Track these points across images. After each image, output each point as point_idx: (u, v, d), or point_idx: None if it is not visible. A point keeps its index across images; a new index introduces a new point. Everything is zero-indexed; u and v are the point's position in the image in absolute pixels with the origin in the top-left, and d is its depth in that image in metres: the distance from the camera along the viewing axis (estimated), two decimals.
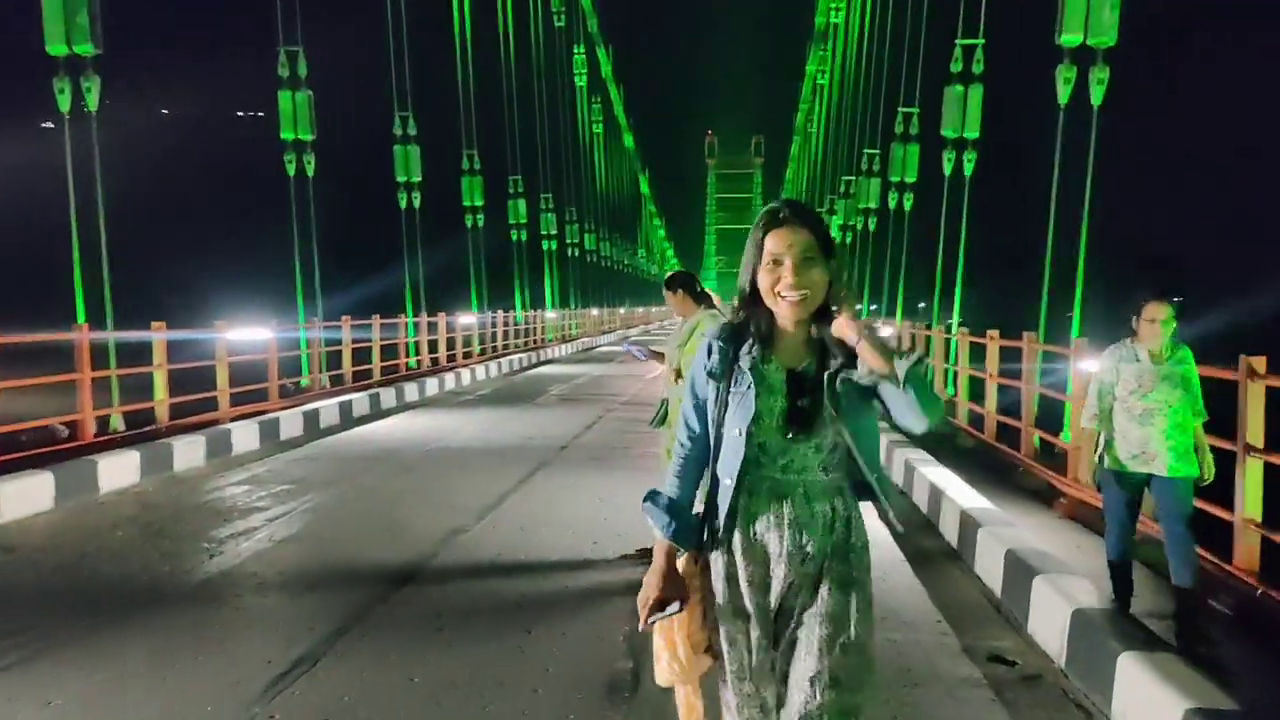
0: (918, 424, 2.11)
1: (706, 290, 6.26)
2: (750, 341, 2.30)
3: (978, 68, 15.74)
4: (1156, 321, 4.76)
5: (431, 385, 18.31)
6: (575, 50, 52.95)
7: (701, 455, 2.36)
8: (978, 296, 17.31)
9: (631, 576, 5.91)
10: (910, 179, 21.63)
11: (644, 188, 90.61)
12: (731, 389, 2.28)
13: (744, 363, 2.28)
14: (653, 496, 2.39)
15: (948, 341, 13.70)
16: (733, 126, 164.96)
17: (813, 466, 2.27)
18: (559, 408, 15.81)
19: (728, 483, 2.28)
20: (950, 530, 6.94)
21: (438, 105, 27.15)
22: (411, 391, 17.01)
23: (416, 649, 4.72)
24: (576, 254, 47.70)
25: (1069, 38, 10.38)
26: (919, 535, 7.17)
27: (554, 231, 40.45)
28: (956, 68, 15.85)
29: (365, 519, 7.66)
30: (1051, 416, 9.67)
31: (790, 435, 2.24)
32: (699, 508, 2.37)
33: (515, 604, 5.46)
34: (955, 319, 15.87)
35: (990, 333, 10.26)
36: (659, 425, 6.26)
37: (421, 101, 23.35)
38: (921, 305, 24.98)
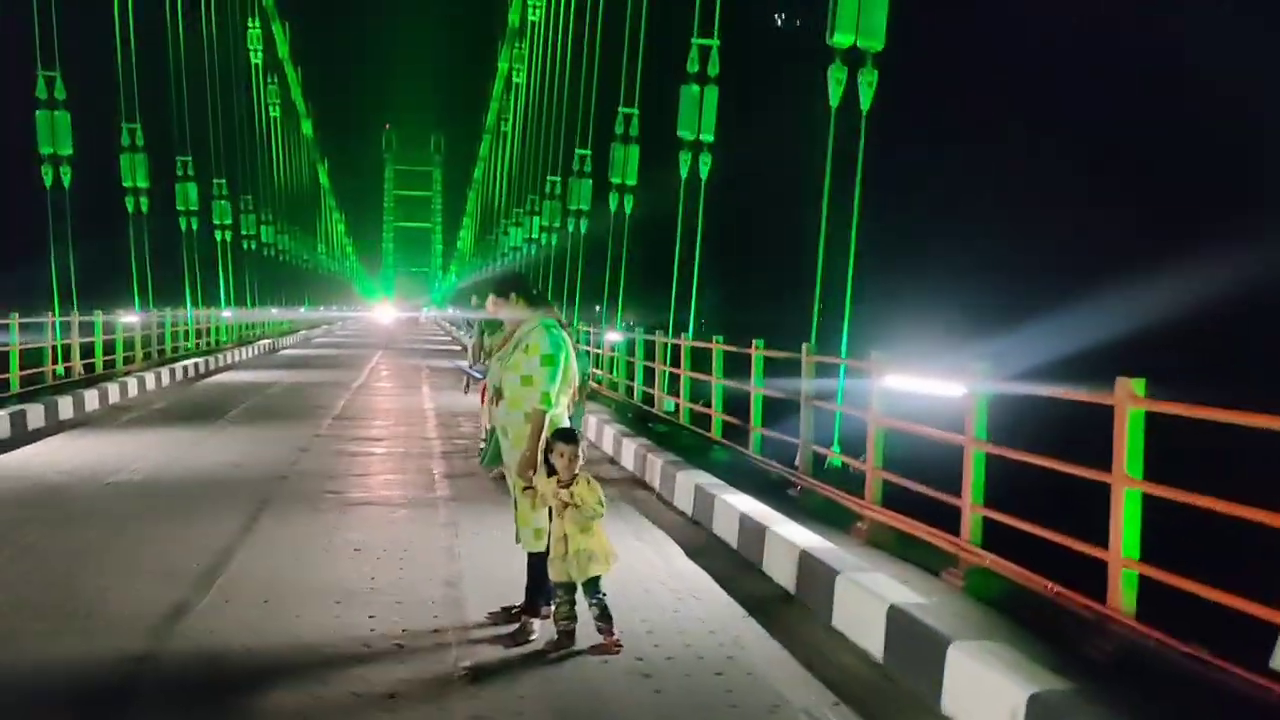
0: None
1: (539, 291, 5.04)
2: None
3: (713, 69, 15.48)
4: None
5: (91, 398, 15.29)
6: (250, 24, 48.54)
7: None
8: (705, 302, 17.15)
9: (441, 668, 4.51)
10: (630, 181, 21.21)
11: (324, 179, 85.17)
12: None
13: None
14: None
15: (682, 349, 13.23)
16: (413, 121, 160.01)
17: None
18: (259, 426, 13.62)
19: None
20: (782, 573, 6.15)
21: (97, 70, 23.34)
22: (66, 407, 14.05)
23: None
24: (254, 247, 43.48)
25: (840, 38, 10.10)
26: (740, 575, 6.36)
27: (229, 221, 36.49)
28: (693, 68, 15.49)
29: (32, 599, 5.52)
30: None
31: None
32: None
33: None
34: (691, 324, 15.52)
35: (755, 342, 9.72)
36: (489, 464, 4.98)
37: (77, 64, 19.82)
38: (597, 308, 24.70)
